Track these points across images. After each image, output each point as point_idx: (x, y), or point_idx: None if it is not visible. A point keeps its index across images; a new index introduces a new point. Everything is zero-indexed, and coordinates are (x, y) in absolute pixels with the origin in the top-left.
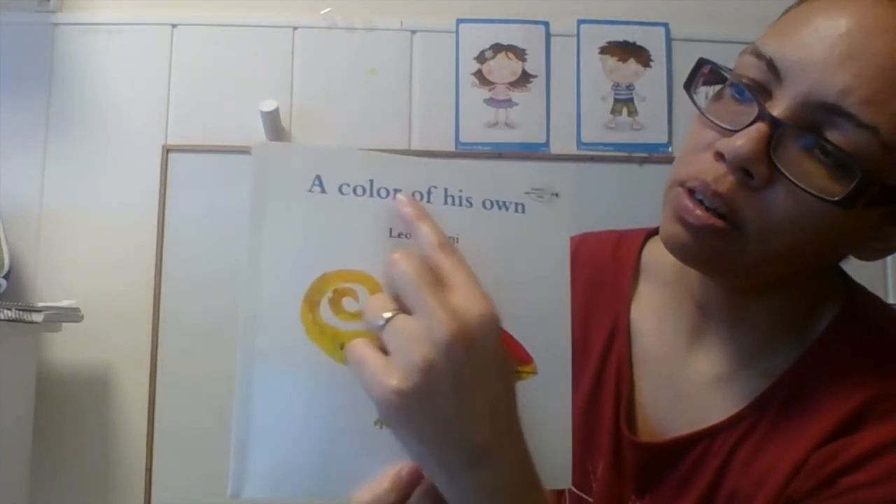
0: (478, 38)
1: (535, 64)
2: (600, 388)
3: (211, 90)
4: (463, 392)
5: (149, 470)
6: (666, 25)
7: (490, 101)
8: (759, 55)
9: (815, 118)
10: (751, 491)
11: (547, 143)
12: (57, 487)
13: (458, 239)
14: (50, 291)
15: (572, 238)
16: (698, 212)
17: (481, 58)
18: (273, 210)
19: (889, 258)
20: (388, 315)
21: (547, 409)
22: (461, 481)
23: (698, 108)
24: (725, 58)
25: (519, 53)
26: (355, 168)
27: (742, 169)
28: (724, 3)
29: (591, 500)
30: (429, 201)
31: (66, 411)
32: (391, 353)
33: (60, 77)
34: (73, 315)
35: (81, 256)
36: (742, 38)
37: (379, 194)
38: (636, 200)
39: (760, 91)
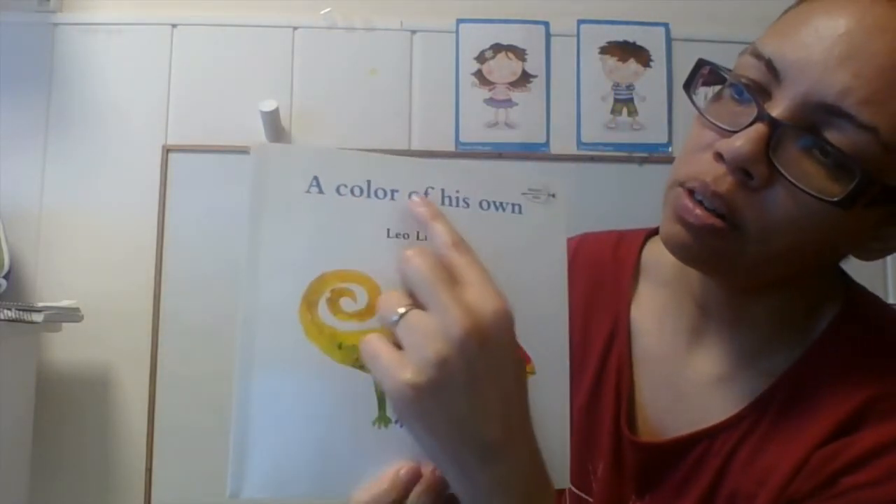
0: (478, 38)
1: (535, 64)
2: (600, 388)
3: (211, 90)
4: (476, 387)
5: (149, 470)
6: (666, 25)
7: (490, 101)
8: (758, 55)
9: (814, 118)
10: (751, 490)
11: (547, 143)
12: (57, 487)
13: None
14: (50, 291)
15: (572, 238)
16: (698, 211)
17: (481, 58)
18: (271, 210)
19: (889, 258)
20: (402, 310)
21: (545, 409)
22: (474, 478)
23: (697, 108)
24: (725, 58)
25: (519, 53)
26: (353, 169)
27: (741, 169)
28: (724, 3)
29: (591, 500)
30: None
31: (66, 411)
32: (405, 348)
33: (60, 77)
34: (73, 315)
35: (81, 256)
36: (742, 38)
37: (376, 195)
38: (636, 200)
39: (760, 91)
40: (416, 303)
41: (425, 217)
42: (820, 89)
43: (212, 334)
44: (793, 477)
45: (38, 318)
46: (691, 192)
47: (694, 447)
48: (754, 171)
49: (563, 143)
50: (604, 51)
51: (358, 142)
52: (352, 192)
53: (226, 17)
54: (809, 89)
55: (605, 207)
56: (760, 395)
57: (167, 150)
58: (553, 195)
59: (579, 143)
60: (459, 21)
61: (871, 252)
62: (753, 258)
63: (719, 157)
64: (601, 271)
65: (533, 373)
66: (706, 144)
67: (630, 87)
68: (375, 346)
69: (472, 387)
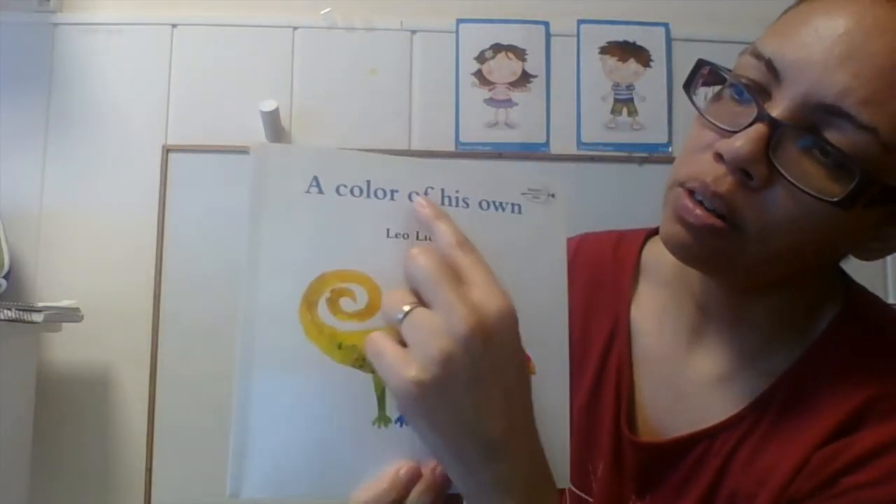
0: (478, 38)
1: (535, 64)
2: (600, 388)
3: (211, 90)
4: (480, 385)
5: (149, 470)
6: (666, 25)
7: (490, 101)
8: (758, 56)
9: (814, 119)
10: (752, 490)
11: (547, 143)
12: (57, 487)
13: None
14: (50, 291)
15: (572, 238)
16: (698, 211)
17: (481, 58)
18: (271, 210)
19: (889, 258)
20: (406, 308)
21: (545, 409)
22: (478, 475)
23: (697, 108)
24: (725, 58)
25: (519, 53)
26: (352, 169)
27: (741, 170)
28: (724, 3)
29: (591, 500)
30: None
31: (66, 411)
32: (410, 346)
33: (60, 77)
34: (73, 315)
35: (81, 256)
36: (742, 38)
37: (376, 195)
38: (636, 200)
39: (759, 92)
40: (420, 301)
41: (430, 217)
42: (820, 89)
43: (212, 334)
44: (793, 477)
45: (38, 318)
46: (691, 193)
47: (694, 447)
48: (754, 172)
49: (563, 143)
50: (604, 51)
51: (358, 142)
52: (351, 192)
53: (226, 17)
54: (809, 89)
55: (605, 207)
56: (760, 395)
57: (167, 150)
58: (553, 195)
59: (579, 143)
60: (459, 21)
61: (871, 252)
62: (753, 258)
63: (719, 157)
64: (601, 271)
65: (533, 372)
66: (706, 145)
67: (630, 87)
68: (380, 343)
69: (476, 384)
